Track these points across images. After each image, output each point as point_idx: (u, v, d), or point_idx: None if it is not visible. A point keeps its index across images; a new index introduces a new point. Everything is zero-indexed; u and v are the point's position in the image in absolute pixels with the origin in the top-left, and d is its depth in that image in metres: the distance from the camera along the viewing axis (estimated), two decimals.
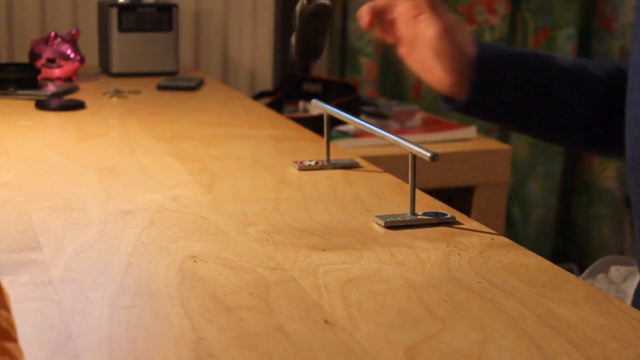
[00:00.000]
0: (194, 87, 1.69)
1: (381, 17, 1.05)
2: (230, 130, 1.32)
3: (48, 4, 2.08)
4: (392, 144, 0.91)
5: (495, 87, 1.03)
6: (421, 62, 1.04)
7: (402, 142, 0.88)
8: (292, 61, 1.02)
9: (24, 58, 1.92)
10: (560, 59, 1.08)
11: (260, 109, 1.53)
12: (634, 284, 0.99)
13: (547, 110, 1.05)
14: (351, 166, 1.08)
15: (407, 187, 0.87)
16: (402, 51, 1.05)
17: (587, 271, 1.03)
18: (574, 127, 1.07)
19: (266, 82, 2.28)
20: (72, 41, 1.72)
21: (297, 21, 1.00)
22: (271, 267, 0.73)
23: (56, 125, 1.36)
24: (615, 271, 1.03)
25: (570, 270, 1.02)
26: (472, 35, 1.04)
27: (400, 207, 0.90)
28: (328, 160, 1.08)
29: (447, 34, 1.00)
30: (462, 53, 1.01)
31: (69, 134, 1.31)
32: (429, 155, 0.83)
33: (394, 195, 0.96)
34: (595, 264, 1.05)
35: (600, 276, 1.00)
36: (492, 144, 1.99)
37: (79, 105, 1.46)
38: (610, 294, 0.90)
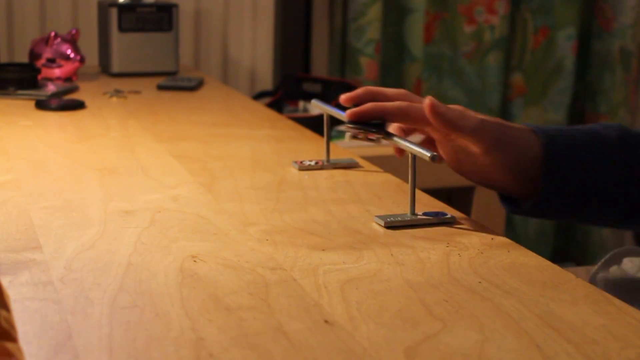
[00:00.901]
0: (194, 87, 1.69)
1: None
2: (230, 130, 1.32)
3: (48, 4, 2.08)
4: (392, 144, 0.91)
5: (571, 186, 0.90)
6: (474, 174, 0.93)
7: (402, 142, 0.87)
8: None
9: (24, 58, 1.92)
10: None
11: (260, 109, 1.53)
12: None
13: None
14: (351, 166, 1.08)
15: (407, 187, 0.87)
16: (450, 165, 0.94)
17: (600, 263, 1.02)
18: None
19: (266, 82, 2.28)
20: (72, 41, 1.72)
21: None
22: (271, 267, 0.73)
23: (56, 125, 1.36)
24: (628, 262, 1.02)
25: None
26: (527, 127, 0.91)
27: (400, 207, 0.90)
28: (328, 160, 1.08)
29: (495, 146, 0.88)
30: (517, 155, 0.89)
31: (69, 134, 1.31)
32: (429, 155, 0.83)
33: (394, 195, 0.96)
34: (607, 256, 1.04)
35: (614, 268, 0.99)
36: None
37: (79, 105, 1.46)
38: (624, 285, 0.89)
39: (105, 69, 1.88)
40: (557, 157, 0.89)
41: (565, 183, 0.89)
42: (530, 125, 0.92)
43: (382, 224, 0.85)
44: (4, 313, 0.50)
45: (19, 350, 0.50)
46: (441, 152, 0.92)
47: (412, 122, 0.90)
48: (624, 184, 0.90)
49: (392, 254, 0.77)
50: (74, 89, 1.63)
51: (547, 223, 2.53)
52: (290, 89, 2.11)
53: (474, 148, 0.89)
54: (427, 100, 0.86)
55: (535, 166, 0.89)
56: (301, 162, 1.07)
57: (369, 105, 0.91)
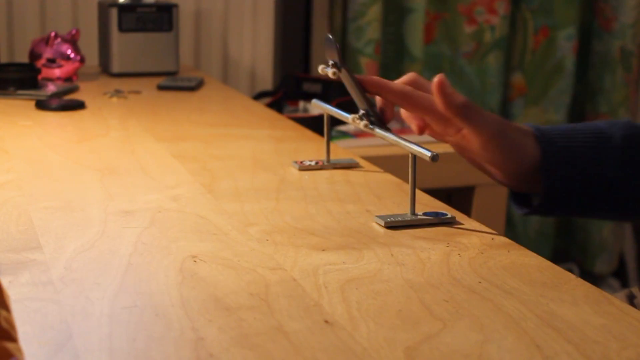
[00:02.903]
0: (194, 87, 1.69)
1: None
2: (230, 130, 1.32)
3: (48, 4, 2.08)
4: (392, 144, 0.91)
5: (569, 186, 0.89)
6: (479, 166, 0.93)
7: (402, 142, 0.87)
8: None
9: (24, 58, 1.92)
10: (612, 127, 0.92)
11: (260, 109, 1.53)
12: None
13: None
14: (351, 166, 1.08)
15: (407, 187, 0.87)
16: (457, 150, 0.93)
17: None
18: None
19: (266, 82, 2.28)
20: (72, 41, 1.72)
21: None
22: (271, 267, 0.73)
23: (56, 125, 1.36)
24: None
25: (570, 270, 1.02)
26: (529, 129, 0.91)
27: (400, 207, 0.90)
28: (328, 160, 1.08)
29: (493, 142, 0.87)
30: (515, 157, 0.88)
31: (69, 134, 1.31)
32: (429, 155, 0.82)
33: (394, 195, 0.96)
34: None
35: None
36: None
37: (79, 105, 1.46)
38: None
39: (105, 69, 1.88)
40: (556, 163, 0.88)
41: (565, 189, 0.88)
42: (532, 125, 0.91)
43: (382, 224, 0.85)
44: (4, 313, 0.50)
45: (19, 350, 0.50)
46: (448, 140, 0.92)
47: (414, 108, 0.89)
48: (629, 183, 0.90)
49: (392, 254, 0.77)
50: (74, 89, 1.63)
51: (547, 223, 2.53)
52: (290, 89, 2.11)
53: (472, 142, 0.88)
54: (437, 78, 0.84)
55: (534, 169, 0.89)
56: (301, 162, 1.07)
57: (374, 78, 0.90)
